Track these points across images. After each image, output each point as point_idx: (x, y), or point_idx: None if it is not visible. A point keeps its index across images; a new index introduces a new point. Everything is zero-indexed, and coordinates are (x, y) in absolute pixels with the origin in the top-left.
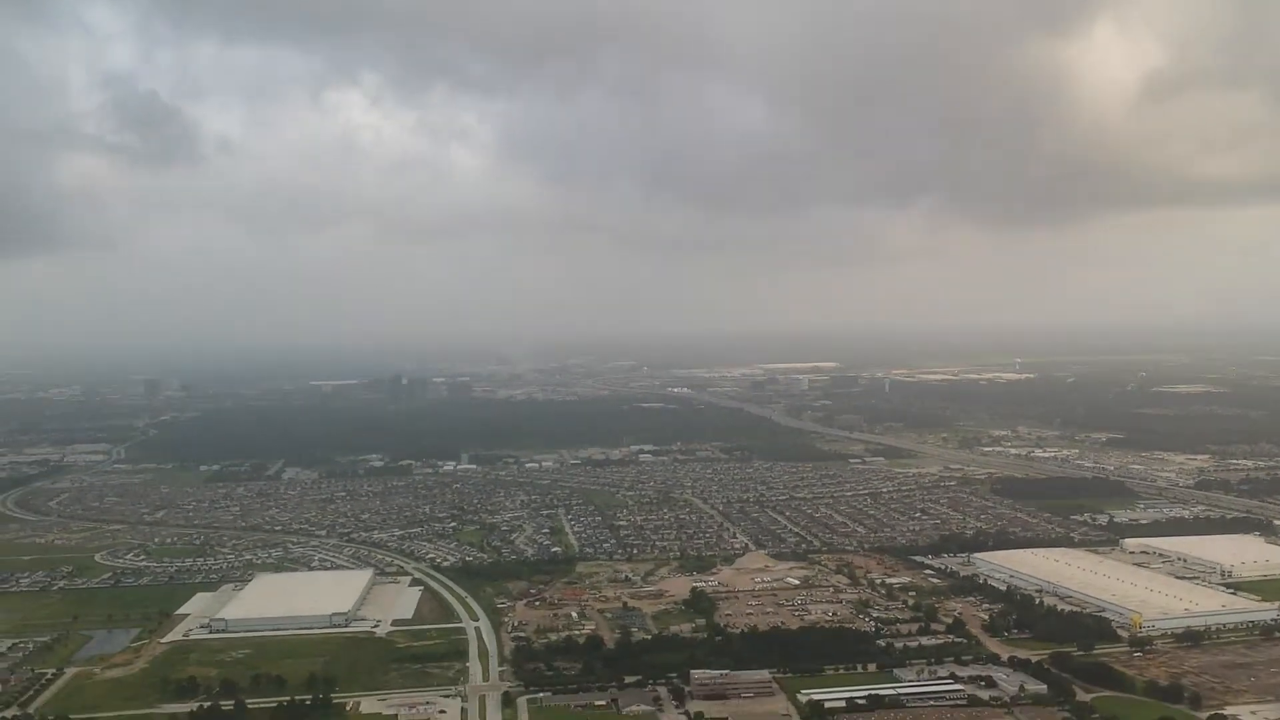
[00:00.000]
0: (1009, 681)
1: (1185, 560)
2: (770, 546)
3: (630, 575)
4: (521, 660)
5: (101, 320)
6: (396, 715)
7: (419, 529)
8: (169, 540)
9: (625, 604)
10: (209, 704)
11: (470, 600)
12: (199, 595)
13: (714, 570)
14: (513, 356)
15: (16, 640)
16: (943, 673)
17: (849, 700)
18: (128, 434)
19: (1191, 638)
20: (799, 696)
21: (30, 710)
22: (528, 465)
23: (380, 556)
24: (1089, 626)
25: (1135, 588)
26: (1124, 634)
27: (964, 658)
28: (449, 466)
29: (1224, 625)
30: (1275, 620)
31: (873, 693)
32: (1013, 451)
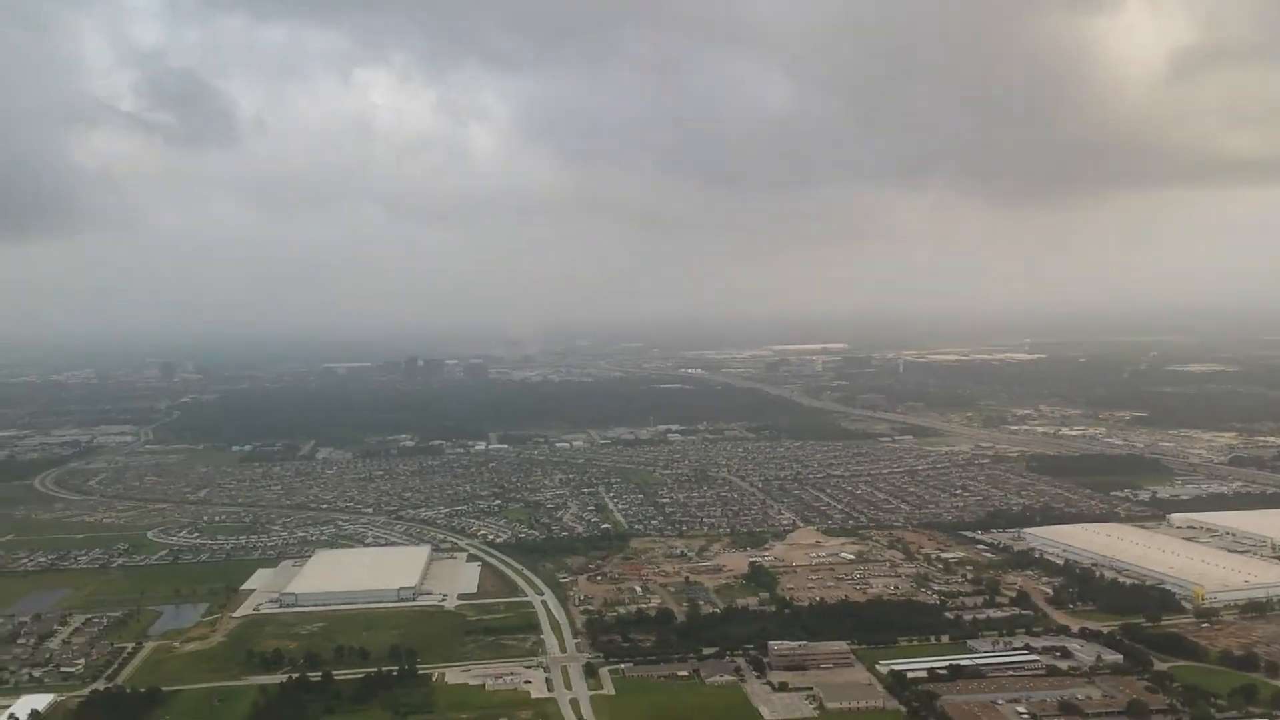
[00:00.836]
0: (1084, 652)
1: (1234, 535)
2: (818, 523)
3: (685, 551)
4: (595, 632)
5: (106, 304)
6: (484, 684)
7: (464, 506)
8: (218, 518)
9: (687, 579)
10: (297, 675)
11: (531, 575)
12: (260, 571)
13: (766, 546)
14: (521, 339)
15: (89, 615)
16: (1016, 644)
17: (930, 670)
18: (151, 416)
19: (1256, 608)
20: (878, 667)
21: (119, 682)
22: (558, 445)
23: (432, 533)
24: (1153, 599)
25: (1191, 561)
26: (1187, 606)
27: (1034, 629)
28: (480, 446)
29: None
30: None
31: (954, 662)
32: (1040, 430)
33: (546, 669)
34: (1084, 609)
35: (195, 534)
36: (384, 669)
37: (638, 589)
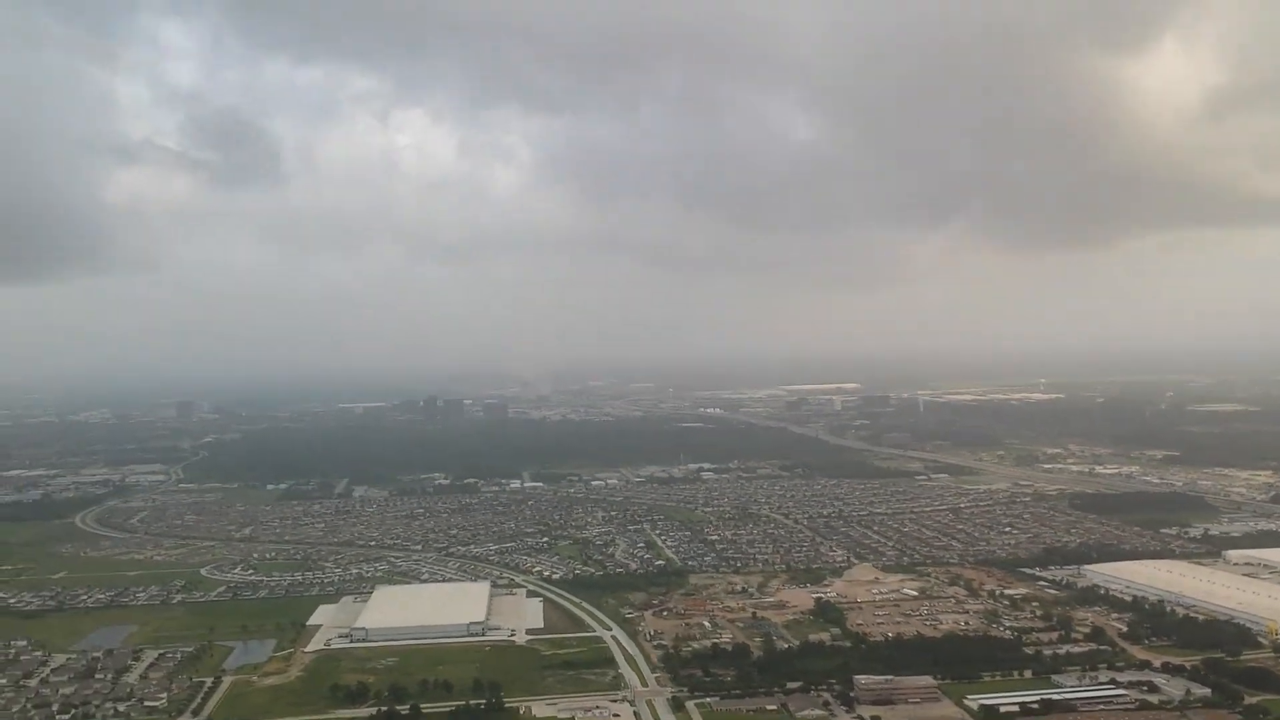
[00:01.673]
0: (1170, 686)
1: None
2: (872, 559)
3: (745, 587)
4: (673, 667)
5: (120, 344)
6: (573, 718)
7: (512, 543)
8: (269, 555)
9: (754, 614)
10: (385, 709)
11: (594, 610)
12: (322, 607)
13: (826, 582)
14: (533, 379)
15: (161, 650)
16: (1101, 678)
17: (1022, 705)
18: (177, 455)
19: None
20: (966, 701)
21: (208, 717)
22: (593, 483)
23: (486, 569)
24: (1229, 634)
25: (1258, 596)
26: (1264, 641)
27: (1115, 664)
28: (515, 484)
29: None
30: None
31: (1045, 697)
32: (1074, 468)
33: (632, 702)
34: (1160, 644)
35: (249, 570)
36: (471, 702)
37: (706, 624)
